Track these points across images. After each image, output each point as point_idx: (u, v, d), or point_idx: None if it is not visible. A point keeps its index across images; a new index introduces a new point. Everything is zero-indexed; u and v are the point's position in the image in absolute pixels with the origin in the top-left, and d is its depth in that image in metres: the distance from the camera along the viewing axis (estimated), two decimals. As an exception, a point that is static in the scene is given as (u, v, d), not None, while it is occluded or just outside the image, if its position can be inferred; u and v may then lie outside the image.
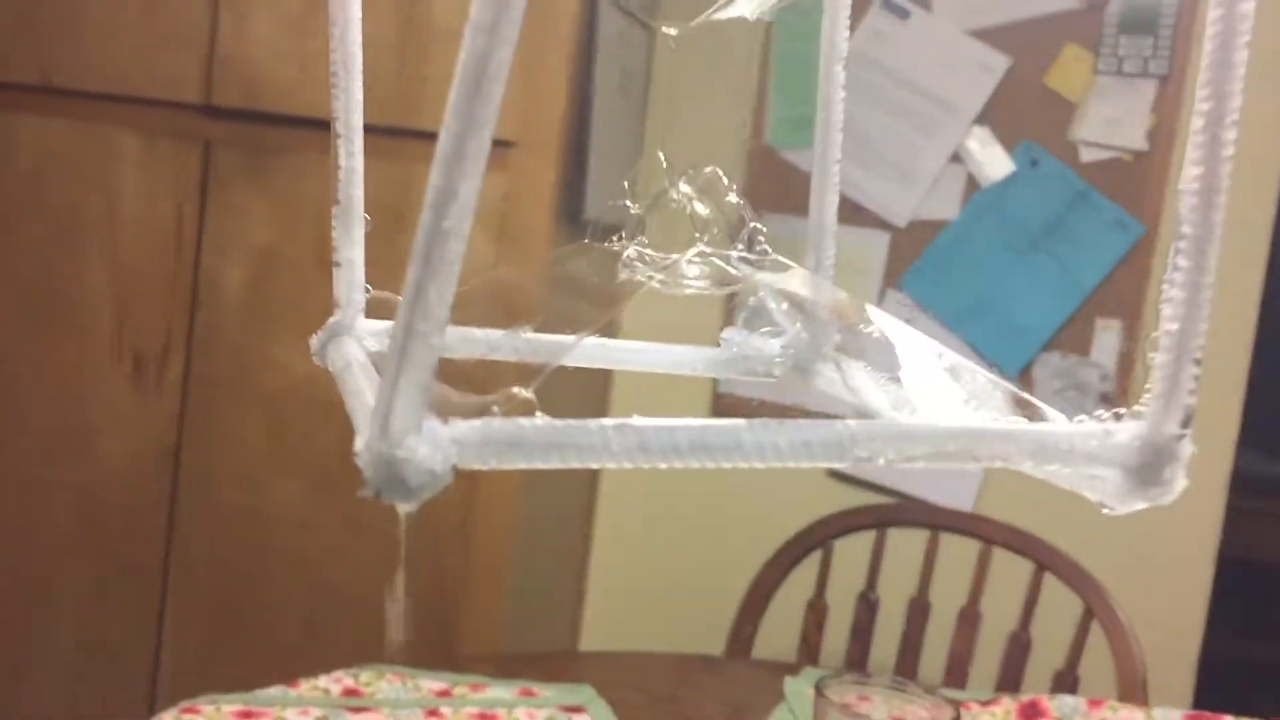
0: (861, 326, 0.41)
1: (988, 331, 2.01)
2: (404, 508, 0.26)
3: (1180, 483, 0.29)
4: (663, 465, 0.28)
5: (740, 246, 0.41)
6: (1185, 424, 0.28)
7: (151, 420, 1.81)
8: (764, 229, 0.43)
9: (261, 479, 1.80)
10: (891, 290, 2.05)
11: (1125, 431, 0.29)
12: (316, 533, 1.79)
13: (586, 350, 0.43)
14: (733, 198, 0.42)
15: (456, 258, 0.26)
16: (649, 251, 0.40)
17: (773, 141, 2.07)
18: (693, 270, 0.42)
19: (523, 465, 0.27)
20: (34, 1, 1.78)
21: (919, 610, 1.63)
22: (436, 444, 0.26)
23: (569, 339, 0.40)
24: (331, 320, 0.39)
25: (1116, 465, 0.28)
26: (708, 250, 0.42)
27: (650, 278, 0.39)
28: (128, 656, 1.84)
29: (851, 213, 2.03)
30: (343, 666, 1.15)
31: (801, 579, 1.66)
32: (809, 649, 1.66)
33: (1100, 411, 0.30)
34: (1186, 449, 0.28)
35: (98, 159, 1.78)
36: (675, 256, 0.41)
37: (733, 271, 0.42)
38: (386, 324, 0.41)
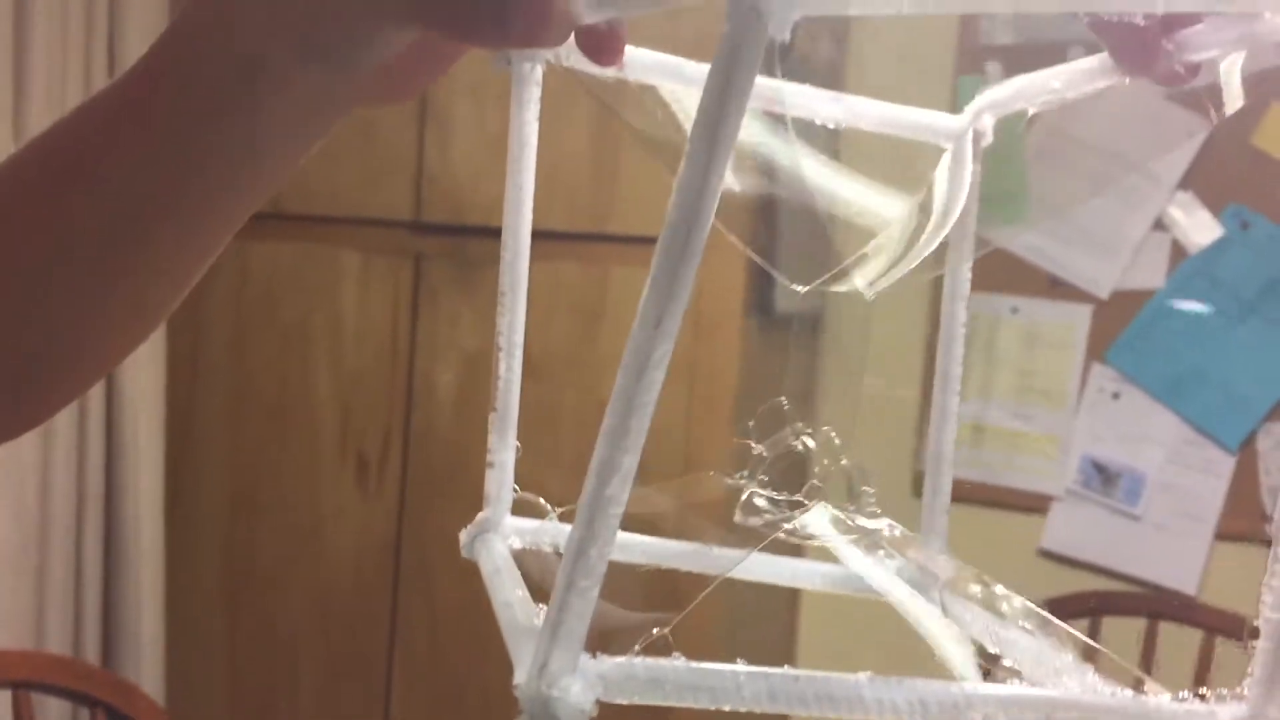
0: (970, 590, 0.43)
1: (1203, 403, 1.93)
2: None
3: None
4: (789, 712, 0.30)
5: (851, 507, 0.44)
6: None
7: (374, 517, 1.92)
8: (873, 491, 0.45)
9: (475, 573, 1.88)
10: (1097, 364, 2.00)
11: (1228, 713, 0.30)
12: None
13: (714, 559, 0.46)
14: (846, 461, 0.44)
15: (616, 521, 0.30)
16: (770, 494, 0.43)
17: (964, 220, 2.05)
18: (815, 519, 0.44)
19: (659, 702, 0.30)
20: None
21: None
22: (587, 682, 0.29)
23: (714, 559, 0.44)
24: (481, 516, 0.44)
25: None
26: (831, 508, 0.44)
27: (777, 526, 0.42)
28: (359, 742, 1.94)
29: (1050, 286, 1.99)
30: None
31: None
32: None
33: (1204, 690, 0.31)
34: None
35: (322, 276, 1.93)
36: (798, 509, 0.43)
37: (850, 523, 0.44)
38: (533, 523, 0.45)
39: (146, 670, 1.87)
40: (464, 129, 1.83)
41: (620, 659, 0.30)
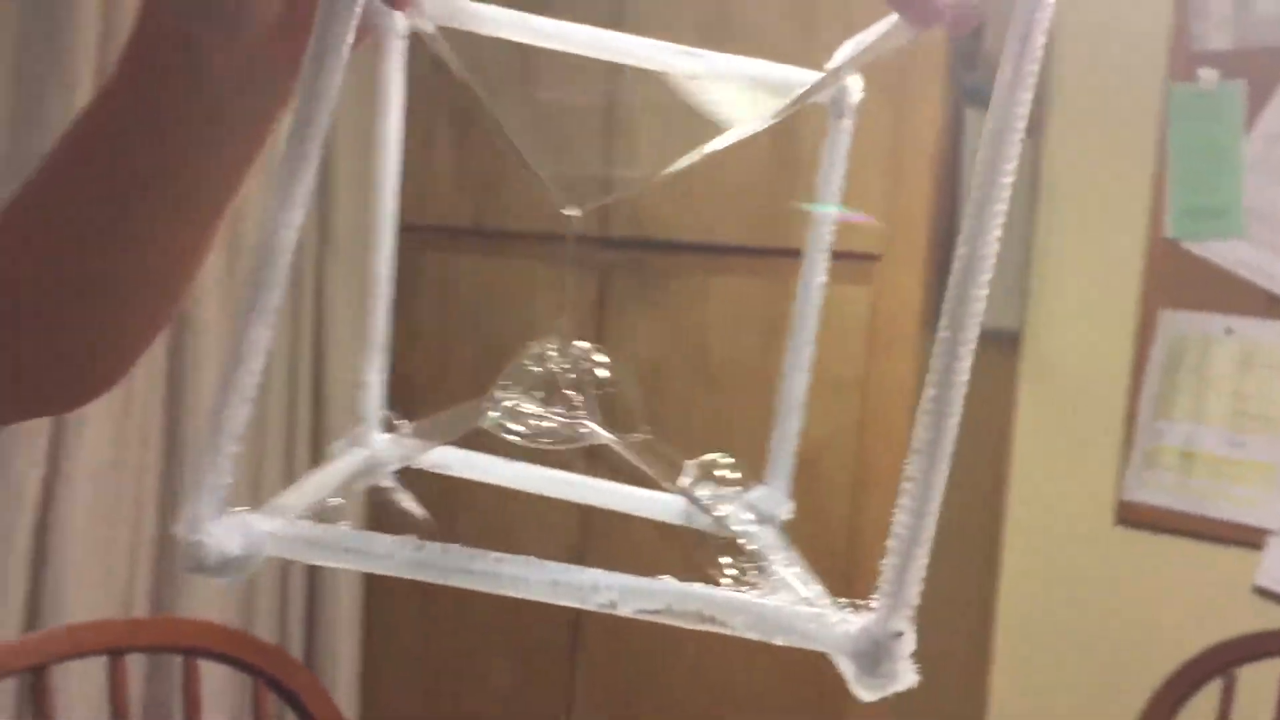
0: None
1: None
2: (219, 583, 0.32)
3: (907, 676, 0.30)
4: (428, 580, 0.32)
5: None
6: (907, 623, 0.30)
7: (560, 521, 1.98)
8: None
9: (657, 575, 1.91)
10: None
11: (849, 623, 0.31)
12: (709, 636, 1.86)
13: (565, 485, 0.49)
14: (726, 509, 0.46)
15: (246, 397, 0.33)
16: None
17: (1174, 234, 1.93)
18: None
19: (316, 561, 0.32)
20: (467, 161, 2.05)
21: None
22: (230, 531, 0.32)
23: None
24: (353, 431, 0.48)
25: (840, 652, 0.31)
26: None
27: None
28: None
29: (1269, 305, 1.85)
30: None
31: (1200, 710, 1.51)
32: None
33: (843, 601, 0.32)
34: (907, 646, 0.30)
35: (517, 289, 2.01)
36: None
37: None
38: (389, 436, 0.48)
39: (344, 663, 1.98)
40: (647, 147, 1.87)
41: (287, 521, 0.33)
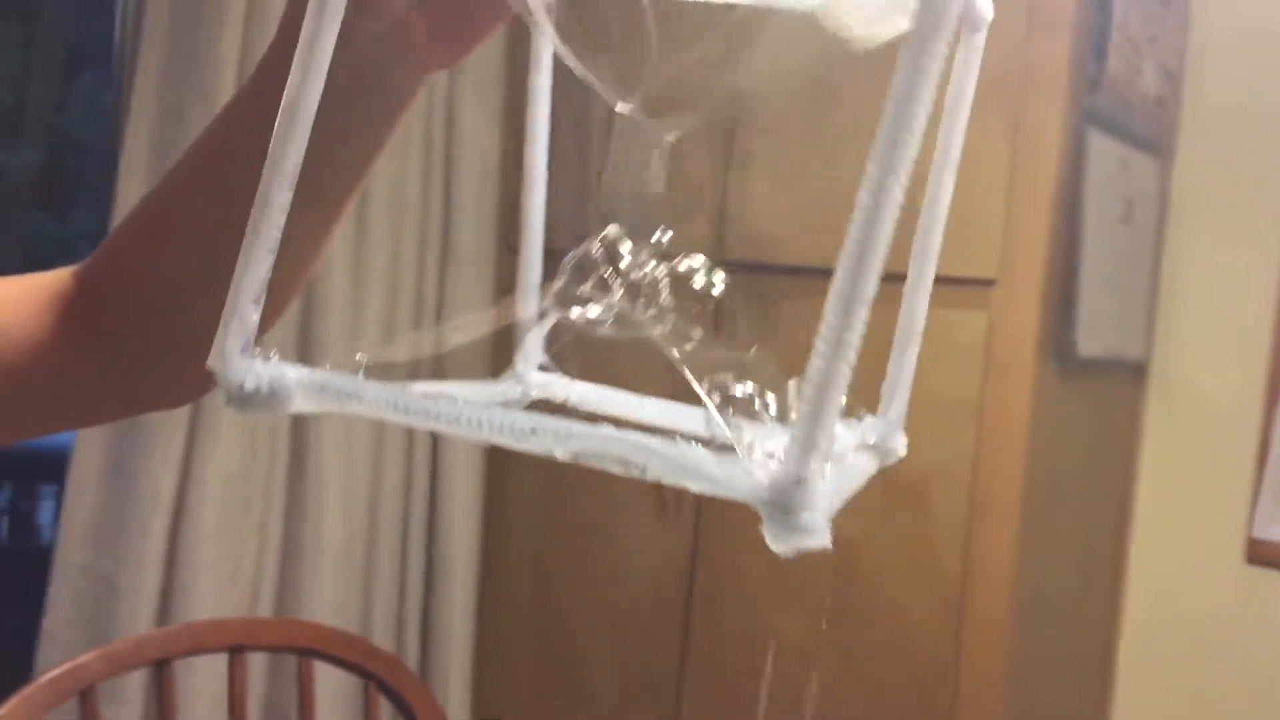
0: None
1: None
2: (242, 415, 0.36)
3: (819, 533, 0.30)
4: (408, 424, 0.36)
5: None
6: (816, 471, 0.29)
7: (670, 545, 1.99)
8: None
9: (762, 606, 1.91)
10: None
11: (762, 470, 0.30)
12: (815, 665, 1.85)
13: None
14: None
15: (276, 233, 0.38)
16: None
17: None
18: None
19: (332, 410, 0.37)
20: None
21: None
22: (269, 374, 0.38)
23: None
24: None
25: (750, 500, 0.30)
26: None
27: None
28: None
29: None
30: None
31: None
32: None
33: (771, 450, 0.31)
34: (815, 496, 0.29)
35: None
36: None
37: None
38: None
39: (456, 676, 2.02)
40: (761, 169, 1.89)
41: (312, 370, 0.38)
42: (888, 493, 1.77)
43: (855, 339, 0.31)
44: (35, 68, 3.24)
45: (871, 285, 0.31)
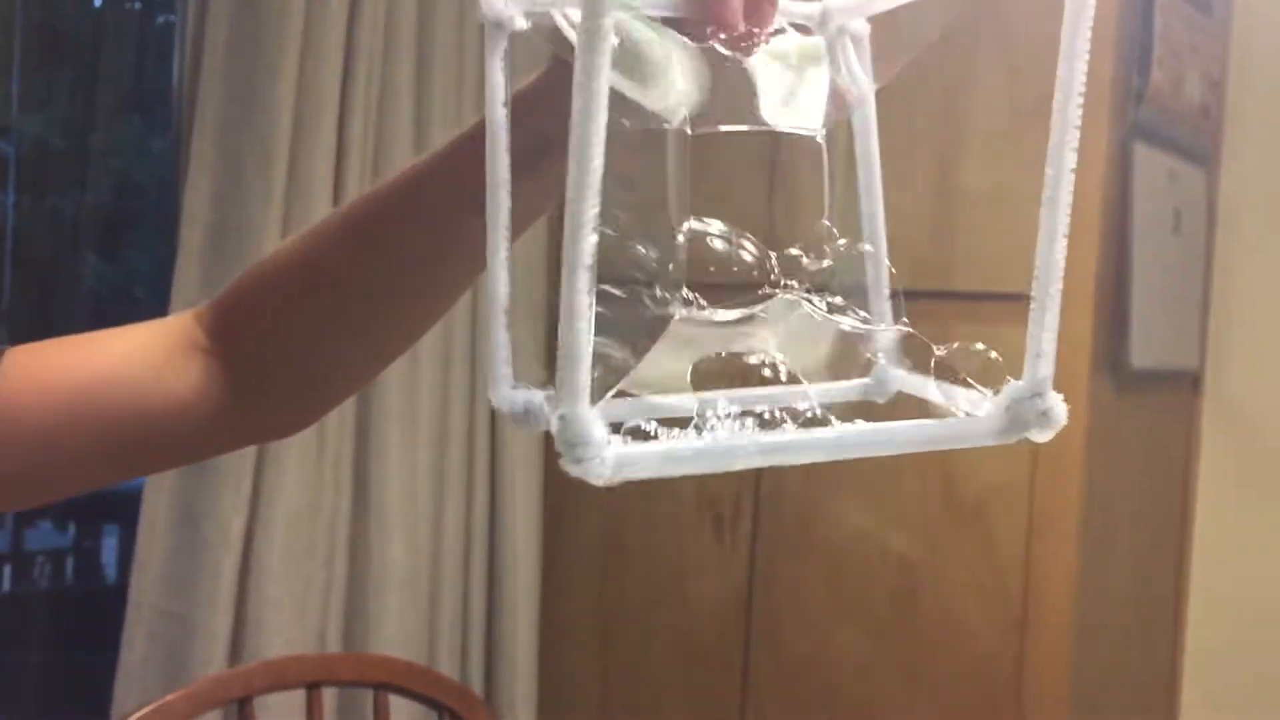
0: None
1: None
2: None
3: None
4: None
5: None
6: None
7: (728, 570, 2.01)
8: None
9: (823, 626, 1.91)
10: None
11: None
12: (875, 681, 1.85)
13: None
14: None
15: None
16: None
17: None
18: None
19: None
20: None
21: None
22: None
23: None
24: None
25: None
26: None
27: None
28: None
29: None
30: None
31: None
32: None
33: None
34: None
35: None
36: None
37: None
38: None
39: (521, 703, 2.04)
40: (809, 193, 1.90)
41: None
42: (947, 513, 1.78)
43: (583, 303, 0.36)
44: (87, 112, 3.31)
45: (587, 254, 0.36)
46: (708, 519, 2.02)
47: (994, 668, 1.75)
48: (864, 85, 0.54)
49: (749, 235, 0.51)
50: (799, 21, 0.52)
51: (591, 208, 0.36)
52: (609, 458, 0.36)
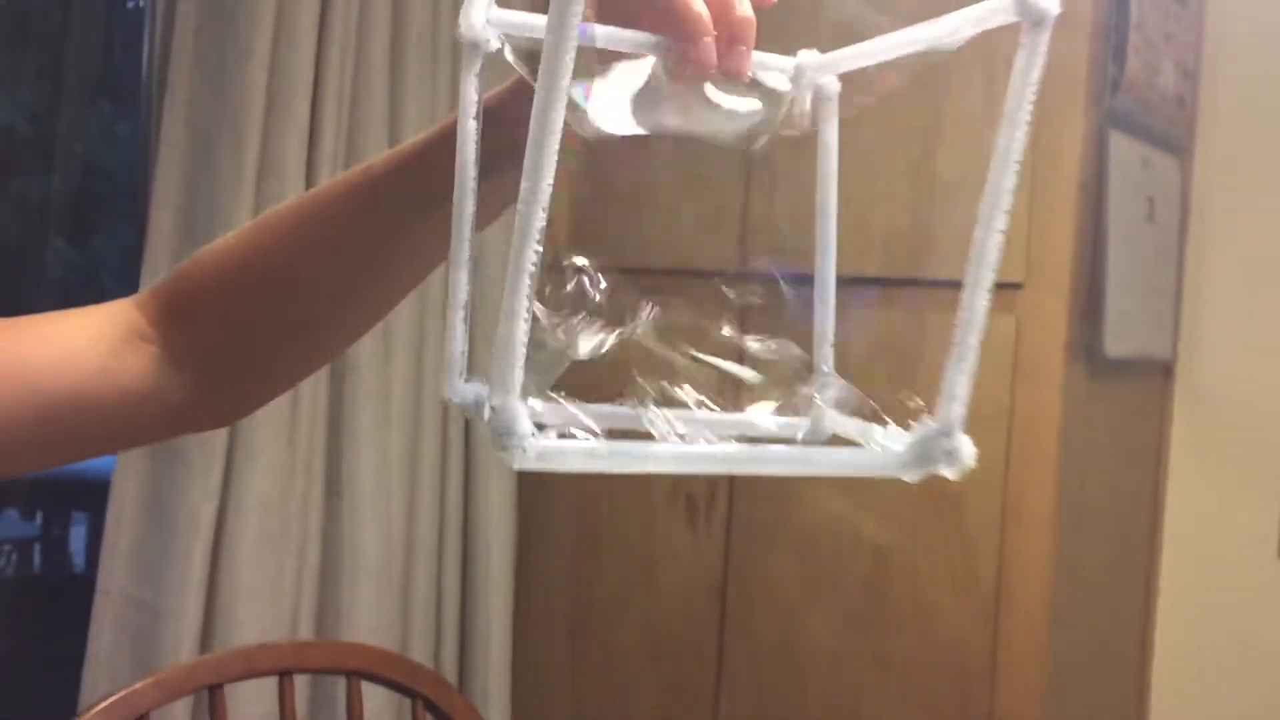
0: None
1: None
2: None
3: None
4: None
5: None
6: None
7: (702, 557, 2.00)
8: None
9: (797, 613, 1.91)
10: None
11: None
12: (849, 668, 1.86)
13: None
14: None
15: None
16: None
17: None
18: None
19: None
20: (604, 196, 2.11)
21: None
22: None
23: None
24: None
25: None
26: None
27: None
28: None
29: None
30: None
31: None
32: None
33: None
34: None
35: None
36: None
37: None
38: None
39: (494, 691, 2.03)
40: (785, 179, 1.90)
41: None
42: (921, 500, 1.78)
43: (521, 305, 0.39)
44: (54, 97, 3.27)
45: (529, 261, 0.39)
46: (681, 507, 2.02)
47: (967, 654, 1.76)
48: (832, 141, 0.58)
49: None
50: (772, 73, 0.55)
51: (539, 221, 0.39)
52: (531, 448, 0.39)
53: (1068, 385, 1.71)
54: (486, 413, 0.39)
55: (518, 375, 0.39)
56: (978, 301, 0.43)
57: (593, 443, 0.41)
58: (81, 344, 0.62)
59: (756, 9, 0.51)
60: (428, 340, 1.94)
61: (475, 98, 0.51)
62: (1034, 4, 0.43)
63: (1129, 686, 2.07)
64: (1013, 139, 0.44)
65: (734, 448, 0.42)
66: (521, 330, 0.39)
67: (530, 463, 0.40)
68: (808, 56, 0.56)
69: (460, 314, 0.50)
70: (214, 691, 1.25)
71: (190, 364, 0.64)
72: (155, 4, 1.84)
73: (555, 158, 0.38)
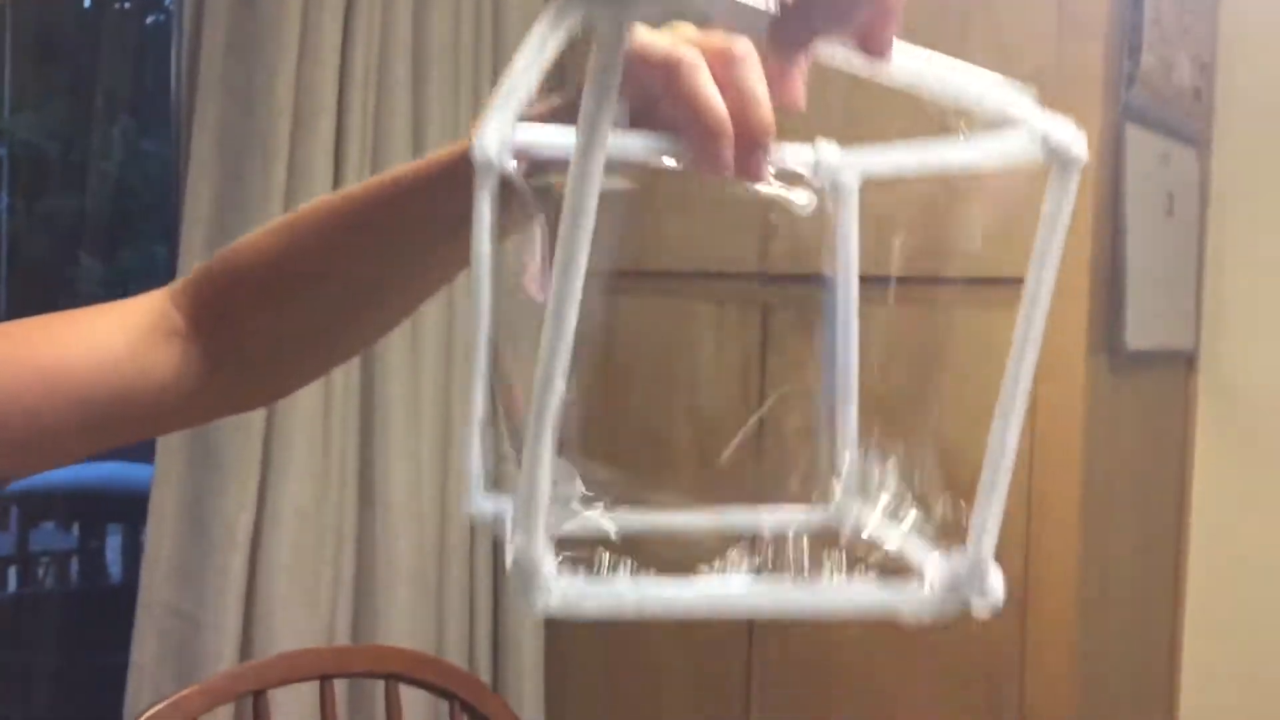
0: None
1: None
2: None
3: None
4: None
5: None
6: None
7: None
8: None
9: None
10: None
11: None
12: (878, 662, 1.87)
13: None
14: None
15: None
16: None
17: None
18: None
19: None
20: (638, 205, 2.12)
21: None
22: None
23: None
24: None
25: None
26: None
27: None
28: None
29: None
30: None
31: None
32: None
33: None
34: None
35: (679, 327, 2.07)
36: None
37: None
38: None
39: (527, 693, 2.06)
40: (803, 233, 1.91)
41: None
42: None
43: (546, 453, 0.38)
44: (80, 114, 3.31)
45: (551, 409, 0.38)
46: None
47: (997, 648, 1.77)
48: (851, 240, 0.57)
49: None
50: (792, 170, 0.54)
51: (561, 365, 0.38)
52: (554, 592, 0.39)
53: (1090, 379, 1.72)
54: (509, 554, 0.39)
55: (539, 522, 0.38)
56: (1009, 436, 0.43)
57: (618, 589, 0.41)
58: (118, 337, 0.65)
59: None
60: (456, 346, 1.97)
61: (489, 219, 0.49)
62: (1063, 150, 0.43)
63: (1159, 678, 2.08)
64: (1041, 280, 0.43)
65: (759, 592, 0.42)
66: (544, 478, 0.38)
67: (555, 608, 0.39)
68: (828, 152, 0.54)
69: (477, 429, 0.49)
70: (257, 697, 1.28)
71: (222, 359, 0.67)
72: (180, 23, 1.87)
73: (579, 294, 0.37)
